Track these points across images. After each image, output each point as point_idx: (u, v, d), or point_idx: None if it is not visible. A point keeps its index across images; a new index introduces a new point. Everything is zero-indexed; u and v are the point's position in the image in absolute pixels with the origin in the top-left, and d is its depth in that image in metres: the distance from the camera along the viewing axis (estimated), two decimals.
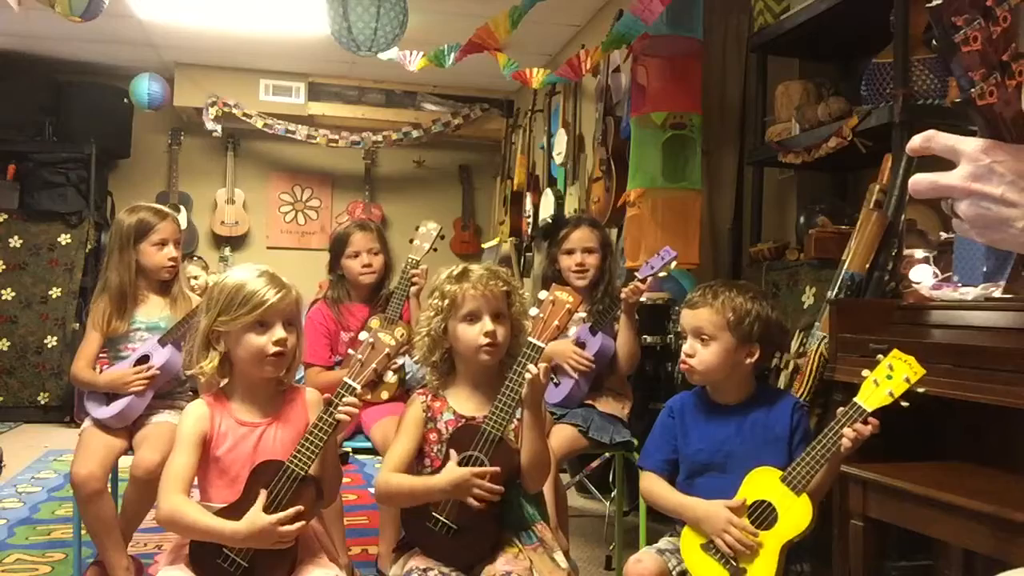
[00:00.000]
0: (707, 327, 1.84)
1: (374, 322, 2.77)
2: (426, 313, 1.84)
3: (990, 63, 0.82)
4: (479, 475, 1.68)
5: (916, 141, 0.89)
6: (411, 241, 2.83)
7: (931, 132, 0.88)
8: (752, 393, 1.90)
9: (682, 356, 1.88)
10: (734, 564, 1.72)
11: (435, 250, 2.83)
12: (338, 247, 2.85)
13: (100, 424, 2.48)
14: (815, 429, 2.24)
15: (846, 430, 1.65)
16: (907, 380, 1.61)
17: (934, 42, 0.87)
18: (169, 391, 2.61)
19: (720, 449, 1.84)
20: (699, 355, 1.84)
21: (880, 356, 1.66)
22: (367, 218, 6.00)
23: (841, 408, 1.69)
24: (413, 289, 2.75)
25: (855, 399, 1.66)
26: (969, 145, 0.85)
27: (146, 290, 2.62)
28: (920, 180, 0.88)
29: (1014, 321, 1.88)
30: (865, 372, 1.67)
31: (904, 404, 1.61)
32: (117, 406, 2.46)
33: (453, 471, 1.69)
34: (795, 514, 1.70)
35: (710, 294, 1.87)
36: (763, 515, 1.73)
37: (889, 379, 1.62)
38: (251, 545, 1.62)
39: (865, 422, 1.64)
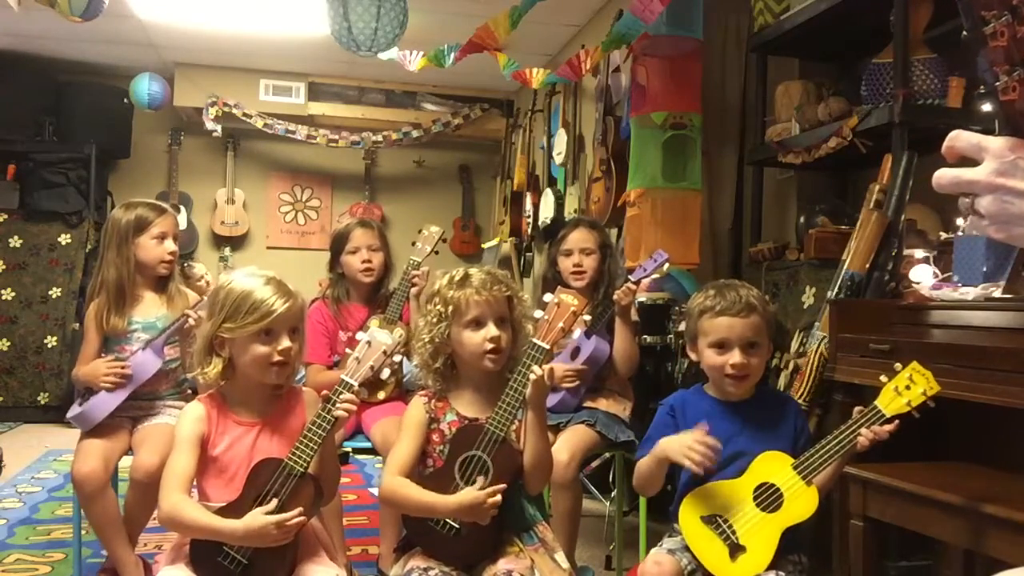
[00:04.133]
0: (759, 335, 1.83)
1: (373, 322, 2.76)
2: (427, 319, 1.82)
3: (1013, 60, 0.84)
4: (492, 495, 1.66)
5: (945, 144, 0.90)
6: (413, 244, 2.84)
7: (955, 132, 0.89)
8: (755, 390, 1.90)
9: (730, 370, 1.81)
10: (734, 540, 1.73)
11: (436, 252, 2.85)
12: (338, 243, 2.85)
13: (96, 427, 2.45)
14: (815, 429, 2.25)
15: (863, 430, 1.68)
16: (924, 394, 1.67)
17: (964, 34, 0.89)
18: (169, 392, 2.60)
19: (727, 446, 1.83)
20: (752, 365, 1.82)
21: (898, 365, 1.69)
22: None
23: (859, 408, 1.72)
24: (413, 290, 2.75)
25: (875, 403, 1.69)
26: (995, 142, 0.87)
27: (142, 288, 2.59)
28: (943, 175, 0.89)
29: (1014, 321, 1.88)
30: (883, 378, 1.70)
31: (916, 415, 1.68)
32: (84, 406, 2.44)
33: (469, 494, 1.67)
34: (801, 502, 1.72)
35: (754, 299, 1.82)
36: (769, 497, 1.74)
37: (908, 390, 1.67)
38: (249, 544, 1.62)
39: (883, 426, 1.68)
